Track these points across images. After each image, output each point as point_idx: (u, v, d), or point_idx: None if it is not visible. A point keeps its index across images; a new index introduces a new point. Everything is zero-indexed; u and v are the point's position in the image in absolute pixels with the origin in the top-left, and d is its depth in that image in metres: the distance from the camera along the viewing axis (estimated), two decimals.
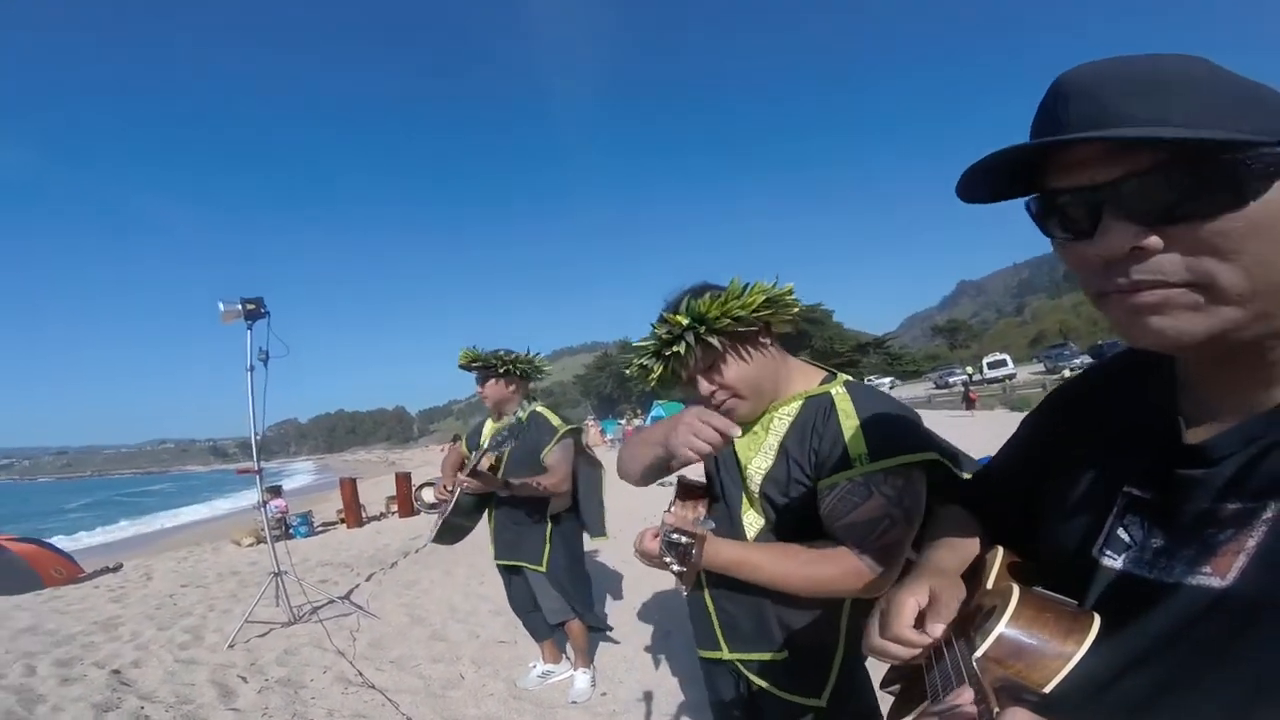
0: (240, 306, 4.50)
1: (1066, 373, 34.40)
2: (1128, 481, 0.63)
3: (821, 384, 1.37)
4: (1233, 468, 0.54)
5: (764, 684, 1.41)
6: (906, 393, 46.06)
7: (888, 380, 55.07)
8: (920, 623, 0.73)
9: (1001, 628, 0.59)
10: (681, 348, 1.31)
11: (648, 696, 3.04)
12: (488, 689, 3.25)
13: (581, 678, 3.13)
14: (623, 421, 34.86)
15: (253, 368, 4.59)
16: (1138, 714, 0.54)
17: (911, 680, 0.74)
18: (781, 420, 1.37)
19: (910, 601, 0.75)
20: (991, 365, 43.24)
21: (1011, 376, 37.92)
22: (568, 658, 3.33)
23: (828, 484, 1.24)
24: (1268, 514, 0.51)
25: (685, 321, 1.30)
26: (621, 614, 4.25)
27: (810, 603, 1.34)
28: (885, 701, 0.87)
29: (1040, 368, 43.61)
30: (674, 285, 1.44)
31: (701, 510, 1.49)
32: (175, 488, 62.18)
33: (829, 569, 1.22)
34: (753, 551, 1.31)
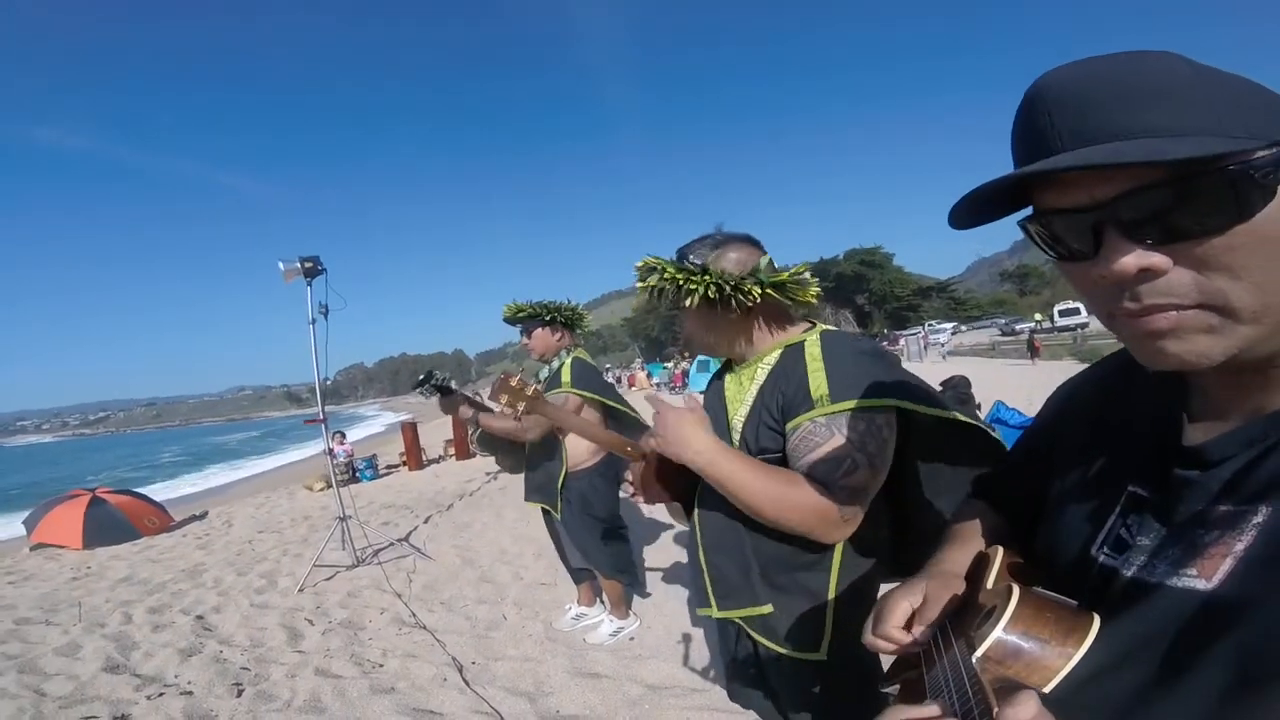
0: (299, 265, 4.69)
1: None
2: (1132, 480, 0.62)
3: (801, 333, 1.41)
4: (1230, 470, 0.54)
5: (763, 640, 1.46)
6: (970, 339, 44.45)
7: (949, 325, 53.17)
8: (911, 623, 0.75)
9: (1001, 628, 0.59)
10: (654, 281, 1.40)
11: (673, 631, 3.20)
12: (526, 630, 3.47)
13: (606, 624, 3.29)
14: (669, 365, 34.89)
15: (314, 321, 4.81)
16: (1124, 715, 0.55)
17: (912, 680, 0.75)
18: (764, 369, 1.42)
19: (904, 604, 0.77)
20: (1063, 314, 40.63)
21: (1084, 325, 35.31)
22: (602, 602, 3.49)
23: (793, 425, 1.28)
24: (1258, 518, 0.50)
25: (670, 270, 1.37)
26: (657, 559, 4.40)
27: (797, 555, 1.37)
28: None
29: None
30: (717, 223, 1.51)
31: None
32: (256, 433, 66.25)
33: (800, 491, 1.23)
34: (729, 453, 1.30)
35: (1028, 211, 0.56)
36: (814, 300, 1.41)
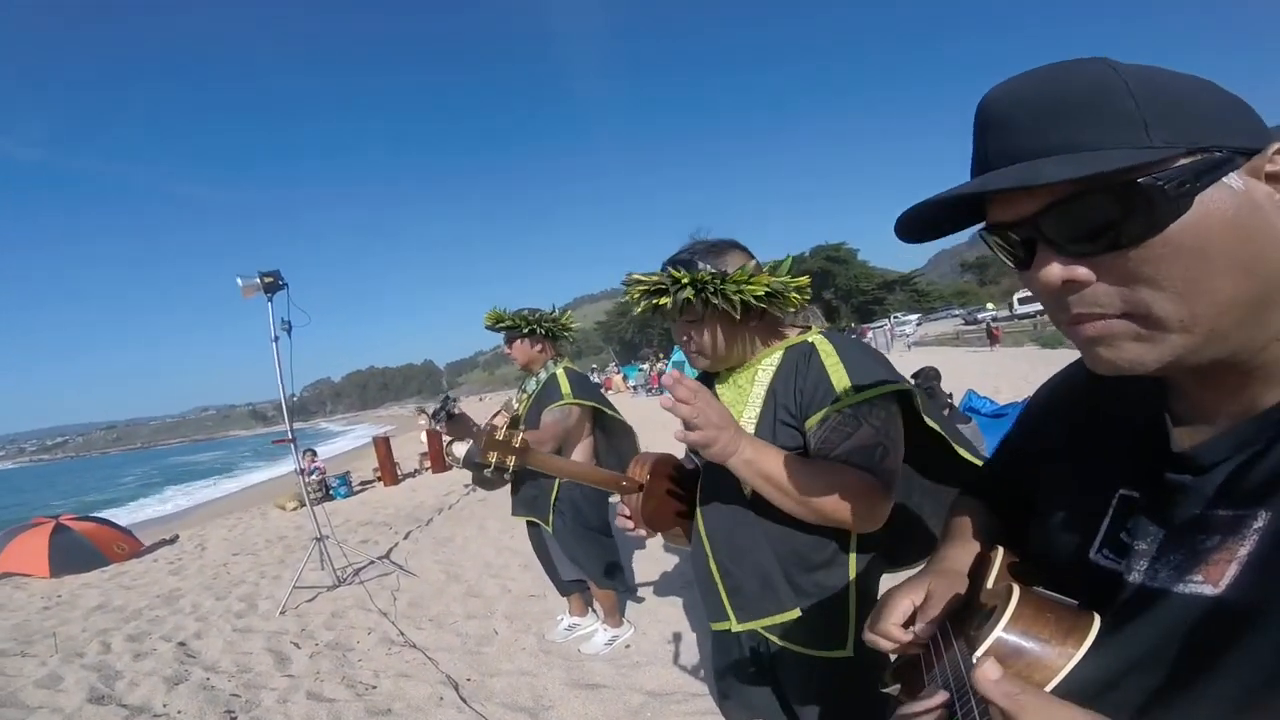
0: (259, 280, 4.56)
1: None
2: (1123, 483, 0.63)
3: (799, 335, 1.45)
4: (1223, 474, 0.53)
5: (785, 644, 1.45)
6: (934, 329, 45.57)
7: (914, 317, 54.68)
8: (913, 621, 0.76)
9: (1001, 628, 0.59)
10: (667, 301, 1.39)
11: (671, 637, 3.23)
12: (519, 643, 3.46)
13: (601, 634, 3.30)
14: (645, 366, 35.01)
15: (277, 338, 4.71)
16: (1139, 717, 0.54)
17: (913, 679, 0.75)
18: (766, 370, 1.44)
19: (905, 602, 0.78)
20: (1023, 301, 42.42)
21: (1042, 313, 37.21)
22: (594, 611, 3.50)
23: (817, 419, 1.30)
24: (1258, 522, 0.50)
25: (684, 280, 1.36)
26: (648, 567, 4.42)
27: (814, 554, 1.39)
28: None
29: None
30: (691, 230, 1.52)
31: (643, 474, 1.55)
32: (222, 454, 64.58)
33: (848, 479, 1.23)
34: (776, 451, 1.27)
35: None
36: (807, 297, 1.44)
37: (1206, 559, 0.52)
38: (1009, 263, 0.57)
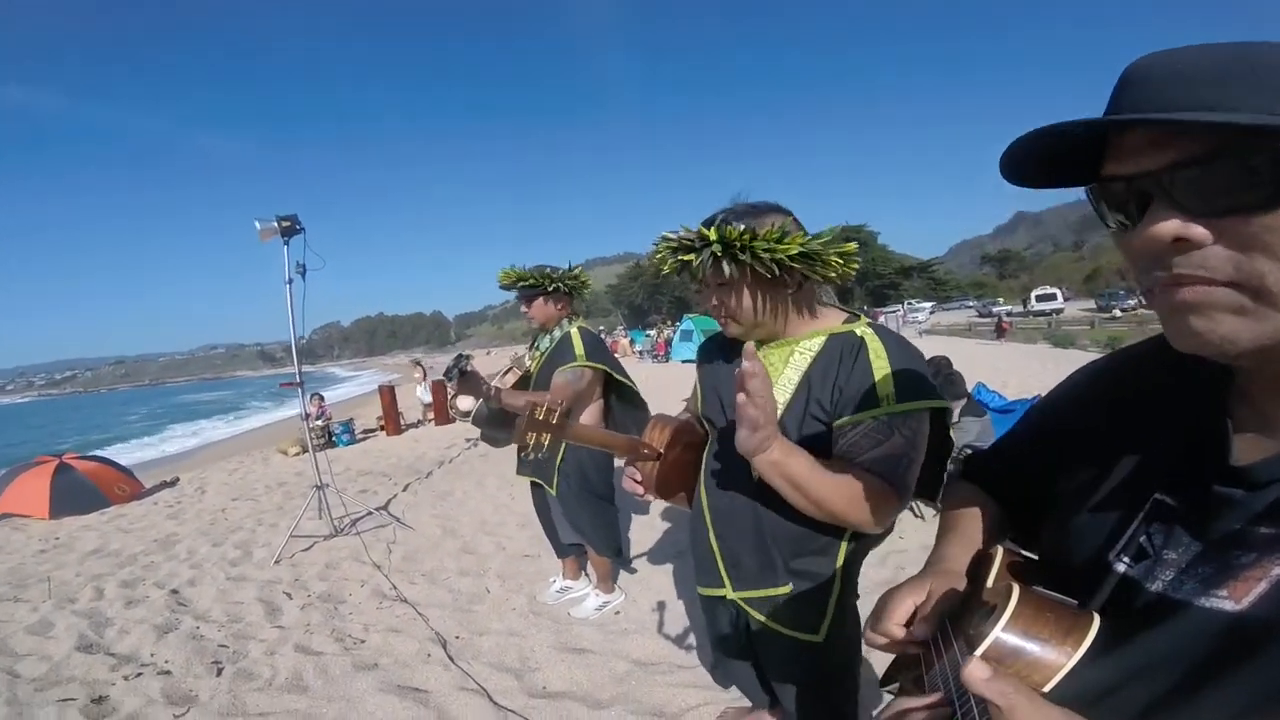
0: (276, 224, 4.53)
1: (1117, 312, 33.50)
2: (1159, 488, 0.60)
3: (845, 323, 1.38)
4: (1277, 493, 0.52)
5: (766, 621, 1.49)
6: (946, 319, 45.53)
7: (928, 305, 54.63)
8: (913, 621, 0.76)
9: (1000, 627, 0.59)
10: (694, 259, 1.33)
11: (660, 606, 3.21)
12: (510, 603, 3.45)
13: (592, 599, 3.28)
14: (652, 334, 35.01)
15: (291, 281, 4.67)
16: None
17: (911, 679, 0.76)
18: (803, 355, 1.37)
19: (908, 601, 0.77)
20: (1040, 299, 42.35)
21: (1058, 311, 37.39)
22: (587, 575, 3.48)
23: (850, 420, 1.26)
24: None
25: (713, 238, 1.29)
26: (643, 535, 4.39)
27: (810, 540, 1.40)
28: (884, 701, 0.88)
29: (1092, 304, 42.14)
30: (708, 197, 1.48)
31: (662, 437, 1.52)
32: (228, 394, 65.30)
33: (867, 489, 1.21)
34: (801, 454, 1.21)
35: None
36: (839, 277, 1.36)
37: (1237, 575, 0.51)
38: (1112, 224, 0.55)
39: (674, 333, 28.14)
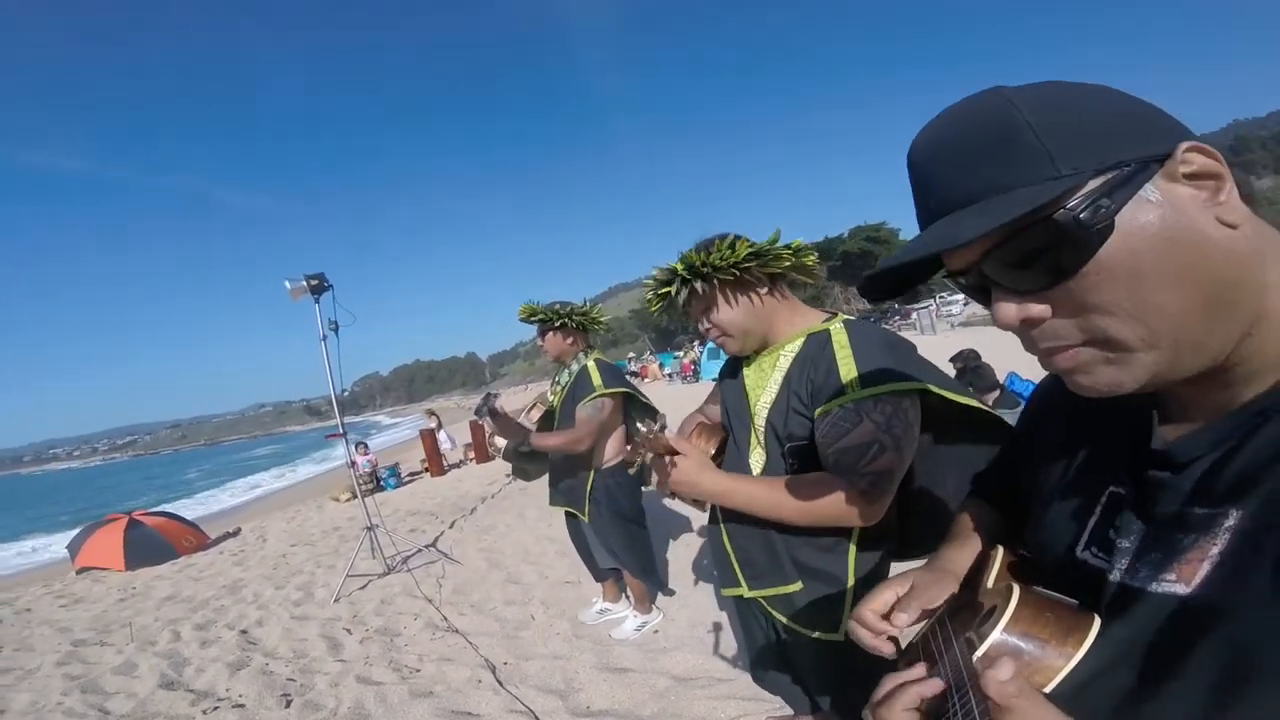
0: (305, 283, 4.76)
1: None
2: (1112, 479, 0.62)
3: (824, 323, 1.48)
4: (1199, 471, 0.53)
5: (785, 620, 1.53)
6: (982, 310, 44.35)
7: (960, 297, 53.40)
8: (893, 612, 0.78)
9: (1001, 628, 0.59)
10: (674, 290, 1.49)
11: (697, 623, 3.30)
12: (554, 628, 3.60)
13: (631, 620, 3.39)
14: (680, 354, 34.99)
15: (325, 338, 4.91)
16: (1113, 717, 0.55)
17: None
18: (786, 357, 1.48)
19: (888, 593, 0.80)
20: None
21: None
22: (627, 597, 3.60)
23: (822, 411, 1.34)
24: (1229, 520, 0.50)
25: (680, 269, 1.46)
26: (679, 554, 4.50)
27: (816, 536, 1.44)
28: None
29: None
30: (724, 215, 1.59)
31: (709, 445, 1.65)
32: (280, 448, 67.12)
33: (819, 496, 1.30)
34: (743, 482, 1.41)
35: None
36: (814, 269, 1.50)
37: (1181, 558, 0.52)
38: (979, 301, 0.58)
39: (701, 352, 28.09)
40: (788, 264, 1.45)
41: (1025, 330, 0.53)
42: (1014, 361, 7.87)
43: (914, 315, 30.62)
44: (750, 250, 1.41)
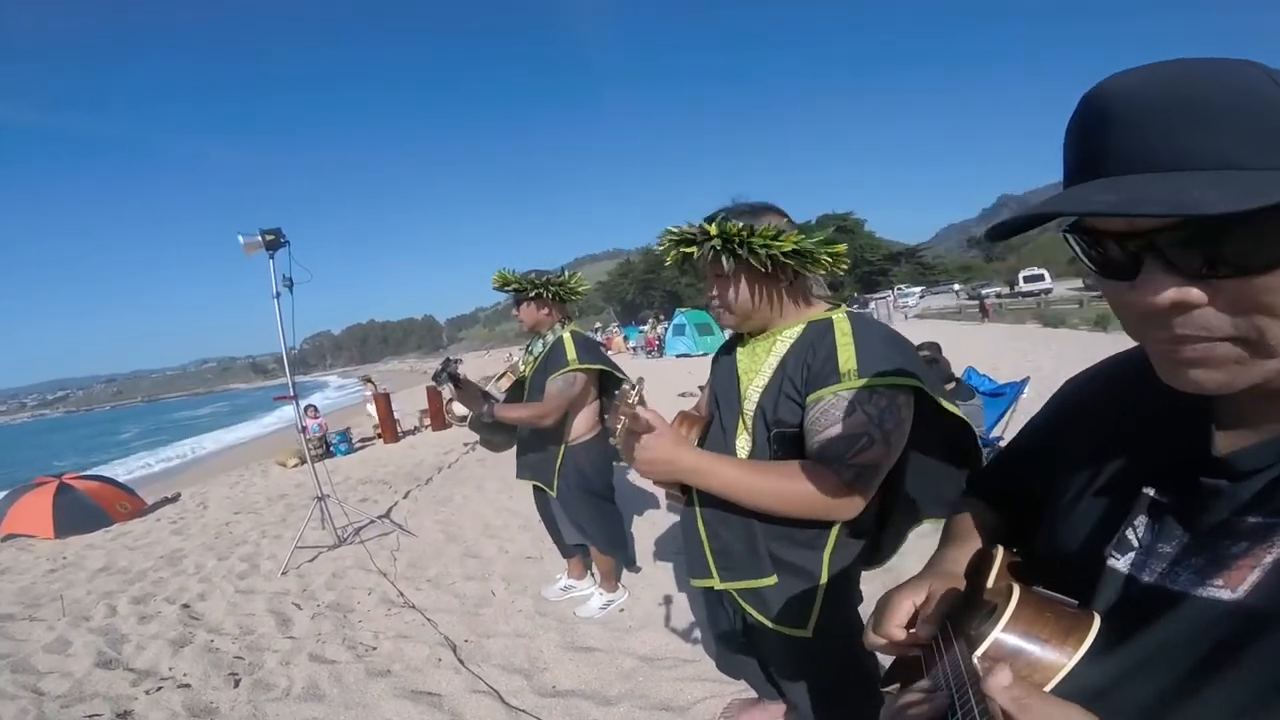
0: (260, 238, 4.53)
1: None
2: (1148, 482, 0.61)
3: (827, 311, 1.46)
4: (1262, 482, 0.53)
5: (754, 613, 1.51)
6: (936, 302, 46.15)
7: (917, 290, 55.45)
8: (913, 622, 0.76)
9: (1001, 628, 0.59)
10: (696, 252, 1.43)
11: (664, 602, 3.30)
12: (516, 605, 3.54)
13: (596, 598, 3.36)
14: (645, 329, 35.16)
15: (278, 295, 4.69)
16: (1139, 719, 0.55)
17: (912, 679, 0.75)
18: (783, 343, 1.45)
19: (907, 603, 0.78)
20: (1028, 279, 42.90)
21: (1047, 292, 38.07)
22: (592, 575, 3.56)
23: (814, 398, 1.31)
24: None
25: (714, 232, 1.39)
26: (645, 532, 4.47)
27: (797, 532, 1.42)
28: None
29: (1079, 284, 42.92)
30: (702, 194, 1.59)
31: (690, 433, 1.59)
32: (222, 408, 65.03)
33: (800, 483, 1.27)
34: (722, 462, 1.36)
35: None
36: (830, 273, 1.46)
37: (1229, 565, 0.52)
38: (1094, 267, 0.53)
39: (666, 328, 28.25)
40: (823, 272, 1.43)
41: (1169, 315, 0.49)
42: (969, 356, 8.17)
43: (872, 305, 31.44)
44: (795, 247, 1.36)
